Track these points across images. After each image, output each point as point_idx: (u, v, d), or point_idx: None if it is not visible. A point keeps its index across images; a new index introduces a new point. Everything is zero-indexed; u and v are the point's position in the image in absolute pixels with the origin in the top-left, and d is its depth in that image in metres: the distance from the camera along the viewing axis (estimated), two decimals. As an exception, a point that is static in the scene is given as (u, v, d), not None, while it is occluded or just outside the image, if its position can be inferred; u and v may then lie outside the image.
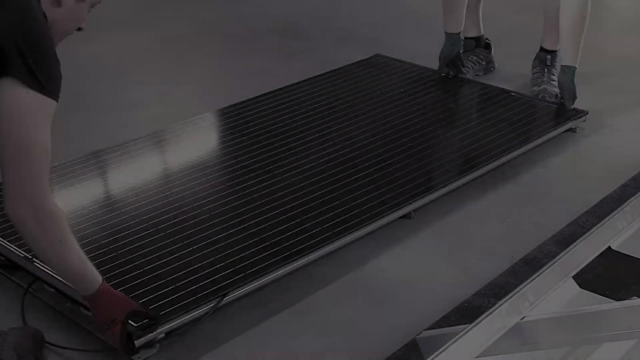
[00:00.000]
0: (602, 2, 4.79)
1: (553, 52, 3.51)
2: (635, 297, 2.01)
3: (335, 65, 3.59)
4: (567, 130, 3.09)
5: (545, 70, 3.50)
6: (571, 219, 2.51)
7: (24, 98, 1.63)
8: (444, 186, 2.62)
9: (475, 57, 3.71)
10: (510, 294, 1.81)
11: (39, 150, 1.67)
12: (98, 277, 1.85)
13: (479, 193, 2.71)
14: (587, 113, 3.13)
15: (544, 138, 2.97)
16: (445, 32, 3.47)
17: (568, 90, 3.15)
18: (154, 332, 1.93)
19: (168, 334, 1.98)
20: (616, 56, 3.94)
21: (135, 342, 1.89)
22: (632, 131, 3.16)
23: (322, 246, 2.27)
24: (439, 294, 2.20)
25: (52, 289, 2.12)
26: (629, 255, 2.20)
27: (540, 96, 3.36)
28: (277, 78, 3.52)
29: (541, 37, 3.57)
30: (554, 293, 1.92)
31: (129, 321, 1.87)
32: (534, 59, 3.57)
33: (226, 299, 2.06)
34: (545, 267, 1.93)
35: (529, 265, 2.24)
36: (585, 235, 2.09)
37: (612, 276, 2.15)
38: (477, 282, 2.21)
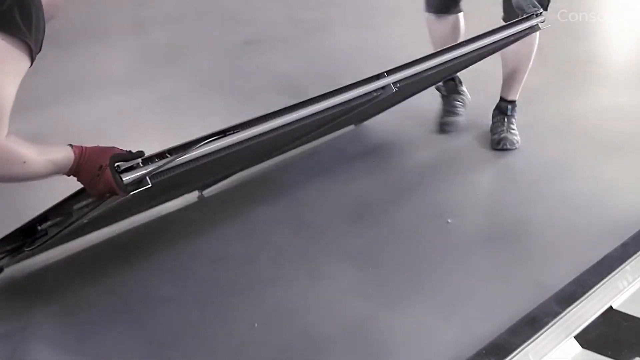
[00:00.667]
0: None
1: (513, 102, 3.59)
2: (637, 358, 1.99)
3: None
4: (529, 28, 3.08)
5: (505, 119, 3.55)
6: (572, 277, 2.49)
7: None
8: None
9: (461, 97, 3.75)
10: (512, 354, 1.79)
11: (3, 102, 1.75)
12: (68, 152, 1.93)
13: (479, 250, 2.70)
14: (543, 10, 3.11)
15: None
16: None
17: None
18: (142, 168, 1.92)
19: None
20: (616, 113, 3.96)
21: (124, 178, 1.88)
22: (633, 189, 3.15)
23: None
24: (439, 353, 2.17)
25: None
26: (631, 315, 2.19)
27: (501, 145, 3.43)
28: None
29: (501, 87, 3.63)
30: (556, 353, 1.90)
31: (116, 163, 1.90)
32: (494, 109, 3.61)
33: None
34: (546, 327, 1.92)
35: (530, 325, 2.22)
36: (587, 295, 2.09)
37: (614, 336, 2.13)
38: (477, 342, 2.19)
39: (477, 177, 3.25)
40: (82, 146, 1.95)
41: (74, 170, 1.94)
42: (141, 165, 1.90)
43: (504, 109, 3.59)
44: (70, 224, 2.13)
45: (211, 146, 2.04)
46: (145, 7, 6.22)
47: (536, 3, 3.07)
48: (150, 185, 1.89)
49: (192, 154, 1.99)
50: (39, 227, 2.20)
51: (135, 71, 4.68)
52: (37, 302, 2.43)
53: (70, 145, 1.95)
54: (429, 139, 3.62)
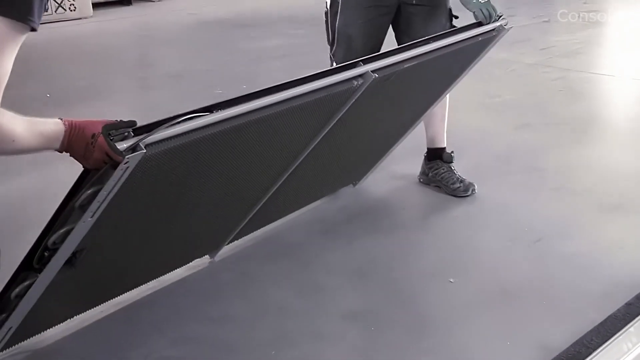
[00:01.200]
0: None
1: (445, 149, 3.73)
2: (643, 421, 1.97)
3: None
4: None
5: (452, 167, 3.69)
6: (576, 338, 2.48)
7: None
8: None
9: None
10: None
11: None
12: (59, 126, 1.88)
13: (482, 310, 2.69)
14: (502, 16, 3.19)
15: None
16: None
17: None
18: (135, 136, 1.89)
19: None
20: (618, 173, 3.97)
21: (118, 146, 1.85)
22: (636, 248, 3.15)
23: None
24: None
25: None
26: (635, 377, 2.17)
27: (470, 191, 3.59)
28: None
29: (433, 139, 3.73)
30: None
31: (109, 132, 1.87)
32: (432, 161, 3.72)
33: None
34: (551, 389, 1.90)
35: (535, 387, 2.21)
36: (591, 356, 2.07)
37: (618, 399, 2.11)
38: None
39: (478, 235, 3.24)
40: (72, 119, 1.91)
41: (66, 144, 1.88)
42: (132, 134, 1.88)
43: (449, 158, 3.70)
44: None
45: (199, 121, 2.01)
46: (147, 67, 6.30)
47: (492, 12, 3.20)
48: (144, 151, 1.86)
49: (183, 126, 1.97)
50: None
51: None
52: None
53: (60, 118, 1.90)
54: (421, 197, 3.65)
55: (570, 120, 4.73)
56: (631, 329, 2.16)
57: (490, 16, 3.14)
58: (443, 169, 3.66)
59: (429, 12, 3.35)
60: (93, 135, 1.86)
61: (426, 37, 2.88)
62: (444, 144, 3.70)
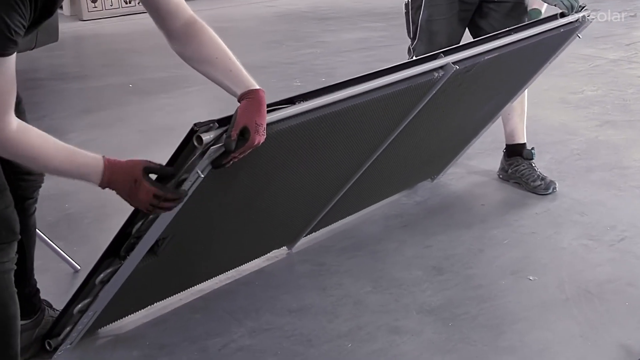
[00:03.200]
0: None
1: (526, 145, 3.69)
2: None
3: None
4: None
5: (533, 164, 3.65)
6: (660, 341, 2.43)
7: None
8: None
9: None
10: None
11: None
12: (98, 160, 1.84)
13: (562, 309, 2.65)
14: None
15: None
16: None
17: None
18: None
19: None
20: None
21: (204, 137, 1.82)
22: None
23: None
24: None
25: None
26: None
27: (551, 189, 3.56)
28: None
29: (512, 135, 3.70)
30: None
31: (148, 175, 1.87)
32: (513, 158, 3.68)
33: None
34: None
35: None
36: (676, 360, 2.02)
37: None
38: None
39: (559, 234, 3.19)
40: (113, 159, 1.87)
41: (106, 183, 1.84)
42: (217, 125, 1.86)
43: (529, 155, 3.65)
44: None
45: (282, 112, 2.00)
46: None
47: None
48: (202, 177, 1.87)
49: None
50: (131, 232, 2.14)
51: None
52: (120, 347, 2.47)
53: (103, 156, 1.87)
54: (500, 194, 3.61)
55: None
56: None
57: (572, 7, 3.08)
58: (523, 166, 3.61)
59: (511, 8, 3.31)
60: (135, 181, 1.85)
61: (507, 29, 2.84)
62: (523, 139, 3.65)
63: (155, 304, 2.64)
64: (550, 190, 3.52)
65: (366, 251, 3.07)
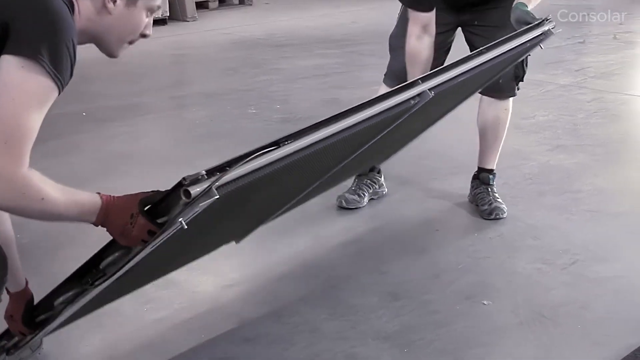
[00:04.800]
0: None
1: (492, 172, 3.71)
2: None
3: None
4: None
5: (489, 189, 3.67)
6: (611, 364, 2.46)
7: (19, 72, 1.65)
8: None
9: (368, 181, 3.79)
10: None
11: (23, 131, 1.67)
12: (94, 197, 1.81)
13: (517, 334, 2.67)
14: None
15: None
16: None
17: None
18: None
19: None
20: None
21: (192, 191, 1.71)
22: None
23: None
24: None
25: None
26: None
27: (493, 215, 3.56)
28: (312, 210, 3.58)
29: (479, 158, 3.72)
30: None
31: (144, 209, 1.81)
32: (473, 180, 3.74)
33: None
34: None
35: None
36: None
37: None
38: None
39: (513, 258, 3.22)
40: (109, 195, 1.84)
41: (101, 219, 1.81)
42: (205, 177, 1.75)
43: (485, 179, 3.67)
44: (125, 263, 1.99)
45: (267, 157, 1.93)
46: (182, 86, 6.35)
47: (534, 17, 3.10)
48: (217, 197, 1.75)
49: (252, 164, 1.87)
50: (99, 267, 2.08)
51: (174, 148, 4.75)
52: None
53: (98, 193, 1.84)
54: (455, 218, 3.65)
55: (606, 142, 4.70)
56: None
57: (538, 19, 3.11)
58: (480, 189, 3.65)
59: (494, 33, 3.30)
60: (132, 216, 1.80)
61: (479, 49, 2.86)
62: (486, 164, 3.69)
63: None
64: (493, 216, 3.56)
65: (322, 278, 3.07)
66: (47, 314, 2.23)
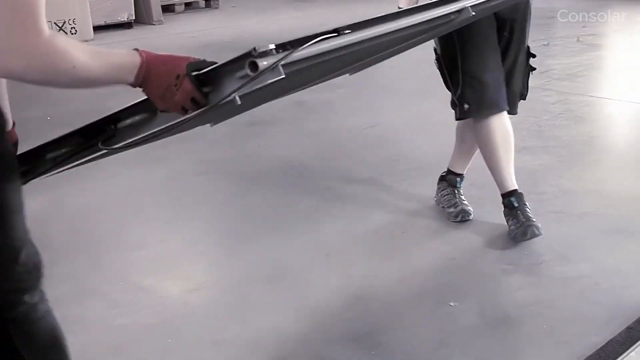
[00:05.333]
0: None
1: (461, 175, 3.69)
2: None
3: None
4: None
5: (455, 191, 3.66)
6: (576, 362, 2.48)
7: None
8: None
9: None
10: None
11: None
12: (134, 58, 1.60)
13: (484, 334, 2.68)
14: None
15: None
16: None
17: None
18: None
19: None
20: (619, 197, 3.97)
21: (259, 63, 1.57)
22: (638, 272, 3.14)
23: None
24: None
25: None
26: (637, 402, 2.17)
27: (459, 217, 3.55)
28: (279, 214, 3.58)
29: (451, 161, 3.72)
30: None
31: (192, 73, 1.61)
32: (441, 181, 3.72)
33: None
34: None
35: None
36: (592, 381, 2.07)
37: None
38: None
39: (479, 259, 3.24)
40: (151, 52, 1.62)
41: (141, 79, 1.60)
42: (274, 52, 1.62)
43: (452, 181, 3.69)
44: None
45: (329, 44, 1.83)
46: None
47: None
48: (283, 76, 1.62)
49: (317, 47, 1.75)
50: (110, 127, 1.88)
51: (138, 151, 4.71)
52: None
53: (136, 49, 1.62)
54: (422, 221, 3.66)
55: (570, 143, 4.74)
56: (632, 354, 2.16)
57: None
58: (447, 191, 3.66)
59: None
60: (178, 77, 1.60)
61: None
62: (456, 168, 3.70)
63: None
64: (459, 219, 3.57)
65: (289, 281, 3.07)
66: (28, 166, 1.96)
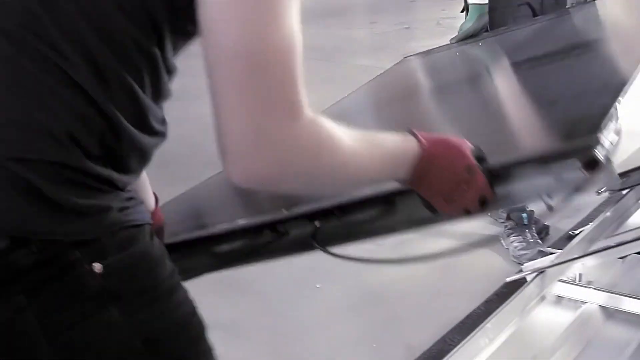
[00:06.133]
0: None
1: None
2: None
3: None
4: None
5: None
6: (439, 336, 2.54)
7: None
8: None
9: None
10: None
11: (284, 50, 0.92)
12: (411, 143, 1.10)
13: (349, 314, 2.71)
14: None
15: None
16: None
17: None
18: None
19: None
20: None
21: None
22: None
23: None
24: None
25: None
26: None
27: None
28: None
29: None
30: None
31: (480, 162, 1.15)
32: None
33: None
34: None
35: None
36: (451, 353, 2.11)
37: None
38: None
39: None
40: (423, 133, 1.13)
41: (418, 173, 1.10)
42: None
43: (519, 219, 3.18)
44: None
45: None
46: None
47: None
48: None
49: None
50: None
51: None
52: None
53: (412, 132, 1.12)
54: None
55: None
56: (488, 325, 2.21)
57: None
58: None
59: None
60: (469, 169, 1.14)
61: None
62: None
63: None
64: None
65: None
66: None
